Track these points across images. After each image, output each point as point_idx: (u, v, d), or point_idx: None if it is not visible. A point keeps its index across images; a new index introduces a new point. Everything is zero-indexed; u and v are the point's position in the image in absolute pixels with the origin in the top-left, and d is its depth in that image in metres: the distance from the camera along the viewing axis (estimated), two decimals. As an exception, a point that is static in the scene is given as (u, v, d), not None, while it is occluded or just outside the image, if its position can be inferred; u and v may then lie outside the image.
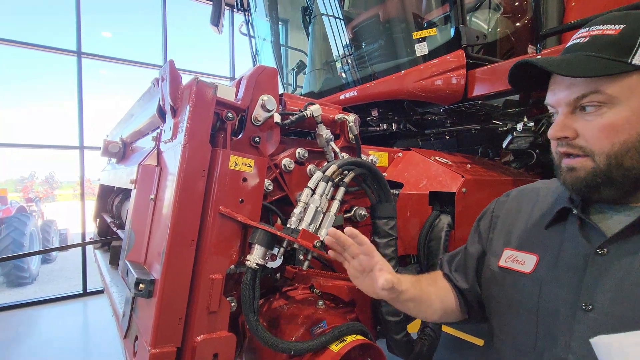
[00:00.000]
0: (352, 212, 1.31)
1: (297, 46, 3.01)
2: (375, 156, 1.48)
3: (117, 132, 2.05)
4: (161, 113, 1.13)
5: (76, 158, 5.15)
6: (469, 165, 1.64)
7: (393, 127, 2.19)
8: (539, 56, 1.51)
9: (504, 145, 1.76)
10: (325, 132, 1.21)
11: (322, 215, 1.07)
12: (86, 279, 5.11)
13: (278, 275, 1.19)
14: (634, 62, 0.61)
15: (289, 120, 1.13)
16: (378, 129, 2.24)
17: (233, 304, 1.00)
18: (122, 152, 1.84)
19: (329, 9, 2.32)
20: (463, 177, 1.41)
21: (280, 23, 3.06)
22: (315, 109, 1.17)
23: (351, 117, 1.29)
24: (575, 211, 0.73)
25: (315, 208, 1.05)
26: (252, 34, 3.29)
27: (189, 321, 0.90)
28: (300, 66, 2.95)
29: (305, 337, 1.01)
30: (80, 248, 5.22)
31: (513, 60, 1.66)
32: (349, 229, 0.82)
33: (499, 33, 1.97)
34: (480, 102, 1.70)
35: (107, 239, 2.25)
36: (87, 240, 4.29)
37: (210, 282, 0.91)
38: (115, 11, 9.15)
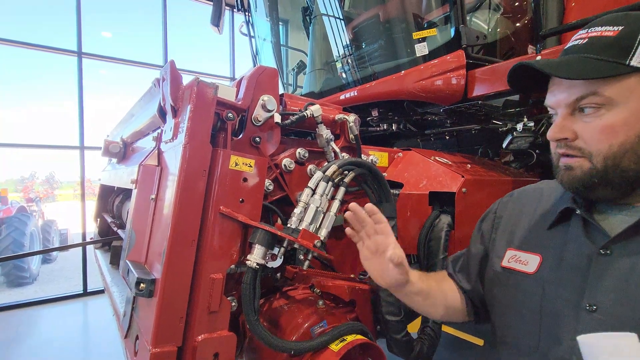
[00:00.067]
0: (352, 212, 1.31)
1: (298, 46, 3.01)
2: (376, 156, 1.48)
3: (118, 132, 2.06)
4: (162, 113, 1.13)
5: (76, 158, 5.16)
6: (469, 165, 1.64)
7: (393, 127, 2.19)
8: (539, 56, 1.51)
9: (504, 146, 1.76)
10: (325, 132, 1.21)
11: (323, 215, 1.08)
12: (86, 279, 5.11)
13: (278, 275, 1.19)
14: (632, 63, 0.62)
15: (289, 121, 1.13)
16: (378, 129, 2.24)
17: (233, 304, 1.00)
18: (122, 152, 1.85)
19: (329, 9, 2.32)
20: (463, 177, 1.41)
21: (280, 23, 3.06)
22: (315, 109, 1.17)
23: (351, 117, 1.30)
24: (578, 211, 0.73)
25: (315, 208, 1.05)
26: (252, 34, 3.29)
27: (189, 321, 0.90)
28: (301, 66, 2.96)
29: (305, 336, 1.01)
30: (80, 248, 5.22)
31: (513, 60, 1.66)
32: (369, 205, 0.84)
33: (498, 33, 1.97)
34: (480, 102, 1.70)
35: (108, 239, 2.25)
36: (88, 240, 4.29)
37: (210, 281, 0.92)
38: (116, 11, 9.15)
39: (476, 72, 1.68)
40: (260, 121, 1.05)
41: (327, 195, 1.08)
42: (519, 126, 1.69)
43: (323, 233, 1.06)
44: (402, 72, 1.87)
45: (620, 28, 0.64)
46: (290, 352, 0.94)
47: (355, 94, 2.08)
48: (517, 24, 2.04)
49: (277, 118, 1.09)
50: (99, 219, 2.43)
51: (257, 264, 0.95)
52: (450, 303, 0.95)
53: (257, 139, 1.06)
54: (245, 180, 0.99)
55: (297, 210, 1.05)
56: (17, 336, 3.89)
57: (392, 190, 1.30)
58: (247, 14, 3.26)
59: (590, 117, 0.66)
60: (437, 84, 1.72)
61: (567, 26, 1.60)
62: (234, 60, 6.99)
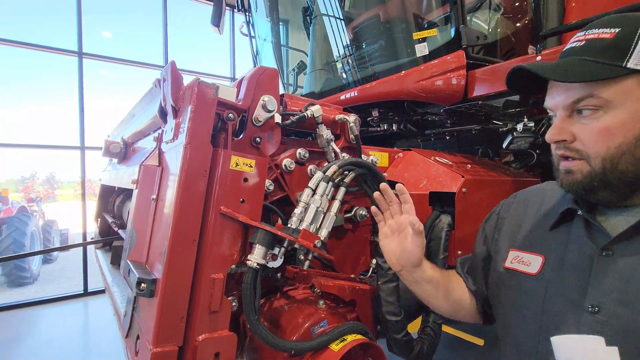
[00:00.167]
0: (353, 212, 1.32)
1: (298, 46, 3.01)
2: (376, 156, 1.48)
3: (119, 132, 2.06)
4: (162, 113, 1.14)
5: (77, 158, 5.17)
6: (469, 166, 1.64)
7: (393, 128, 2.19)
8: (539, 57, 1.51)
9: (504, 146, 1.76)
10: (325, 133, 1.21)
11: (323, 215, 1.08)
12: (87, 279, 5.12)
13: (279, 275, 1.20)
14: (628, 65, 0.62)
15: (289, 121, 1.13)
16: (378, 129, 2.24)
17: (234, 304, 1.00)
18: (123, 152, 1.85)
19: (330, 9, 2.33)
20: (463, 177, 1.41)
21: (280, 23, 3.07)
22: (315, 110, 1.17)
23: (352, 118, 1.30)
24: (580, 212, 0.73)
25: (315, 208, 1.05)
26: (252, 34, 3.30)
27: (190, 320, 0.90)
28: (301, 66, 2.96)
29: (305, 336, 1.01)
30: (81, 248, 5.23)
31: (513, 60, 1.66)
32: (399, 185, 0.90)
33: (499, 33, 1.97)
34: (480, 102, 1.71)
35: (109, 239, 2.26)
36: (88, 240, 4.29)
37: (211, 281, 0.92)
38: (116, 11, 9.17)
39: (476, 72, 1.68)
40: (260, 121, 1.06)
41: (328, 195, 1.08)
42: (519, 126, 1.69)
43: (323, 233, 1.07)
44: (403, 72, 1.88)
45: (618, 30, 0.64)
46: (290, 351, 0.95)
47: (356, 94, 2.08)
48: (518, 24, 2.04)
49: (278, 118, 1.09)
50: (99, 219, 2.43)
51: (258, 264, 0.96)
52: (459, 300, 0.97)
53: (258, 139, 1.06)
54: (245, 180, 0.99)
55: (297, 211, 1.05)
56: (18, 336, 3.89)
57: (392, 191, 1.30)
58: (247, 14, 3.26)
59: (588, 119, 0.66)
60: (437, 84, 1.72)
61: (567, 26, 1.61)
62: (235, 60, 6.99)
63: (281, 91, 1.14)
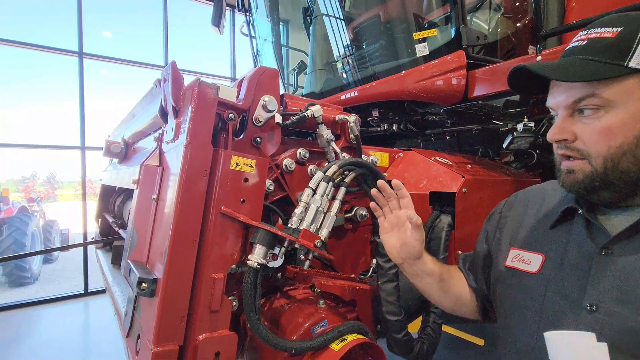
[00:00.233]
0: (353, 212, 1.32)
1: (298, 47, 3.01)
2: (376, 156, 1.49)
3: (119, 132, 2.06)
4: (163, 114, 1.14)
5: (77, 158, 5.17)
6: (470, 166, 1.64)
7: (394, 128, 2.19)
8: (539, 57, 1.51)
9: (504, 146, 1.76)
10: (326, 133, 1.21)
11: (323, 215, 1.08)
12: (87, 279, 5.12)
13: (279, 274, 1.20)
14: (630, 65, 0.62)
15: (290, 121, 1.14)
16: (379, 129, 2.25)
17: (234, 303, 1.00)
18: (124, 152, 1.85)
19: (330, 9, 2.33)
20: (463, 177, 1.41)
21: (281, 23, 3.07)
22: (316, 110, 1.18)
23: (352, 118, 1.30)
24: (580, 211, 0.73)
25: (316, 208, 1.05)
26: (253, 34, 3.30)
27: (191, 320, 0.90)
28: (301, 67, 2.96)
29: (306, 336, 1.01)
30: (81, 248, 5.23)
31: (514, 60, 1.66)
32: (395, 181, 0.92)
33: (499, 33, 1.97)
34: (480, 102, 1.71)
35: (109, 239, 2.26)
36: (89, 240, 4.30)
37: (212, 281, 0.92)
38: (116, 11, 9.17)
39: (477, 72, 1.68)
40: (261, 121, 1.06)
41: (328, 195, 1.09)
42: (520, 126, 1.69)
43: (324, 233, 1.07)
44: (403, 72, 1.88)
45: (620, 29, 0.64)
46: (290, 351, 0.95)
47: (356, 94, 2.08)
48: (518, 24, 2.04)
49: (278, 118, 1.10)
50: (100, 219, 2.43)
51: (258, 263, 0.96)
52: (459, 295, 0.98)
53: (258, 139, 1.07)
54: (246, 180, 0.99)
55: (297, 211, 1.05)
56: (18, 336, 3.90)
57: (393, 191, 1.30)
58: (247, 14, 3.26)
59: (589, 119, 0.66)
60: (437, 84, 1.72)
61: (567, 26, 1.60)
62: (235, 60, 6.99)
63: (281, 91, 1.14)
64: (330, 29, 2.34)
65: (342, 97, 2.16)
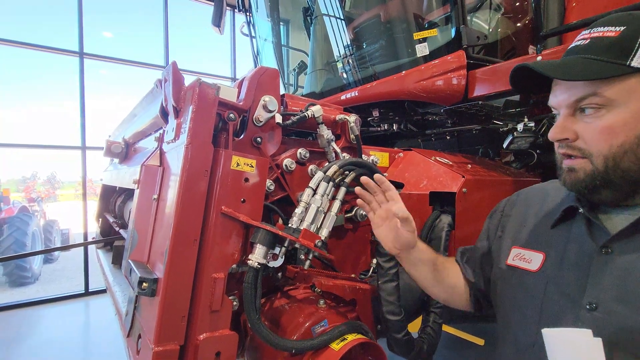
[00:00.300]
0: (353, 212, 1.32)
1: (298, 47, 3.01)
2: (376, 156, 1.49)
3: (120, 132, 2.07)
4: (164, 114, 1.14)
5: (78, 158, 5.17)
6: (470, 166, 1.64)
7: (394, 128, 2.19)
8: (540, 57, 1.52)
9: (504, 146, 1.76)
10: (326, 133, 1.22)
11: (324, 215, 1.08)
12: (88, 279, 5.12)
13: (279, 274, 1.20)
14: (632, 64, 0.61)
15: (290, 121, 1.14)
16: (379, 129, 2.25)
17: (235, 303, 1.01)
18: (124, 152, 1.86)
19: (330, 9, 2.33)
20: (463, 177, 1.41)
21: (281, 23, 3.07)
22: (316, 110, 1.18)
23: (352, 118, 1.30)
24: (581, 210, 0.73)
25: (316, 208, 1.05)
26: (253, 34, 3.30)
27: (191, 320, 0.90)
28: (302, 67, 2.96)
29: (306, 335, 1.01)
30: (82, 248, 5.23)
31: (514, 60, 1.66)
32: (378, 175, 0.93)
33: (499, 33, 1.97)
34: (480, 102, 1.71)
35: (110, 239, 2.26)
36: (89, 240, 4.30)
37: (212, 281, 0.92)
38: (116, 11, 9.17)
39: (477, 72, 1.68)
40: (261, 122, 1.06)
41: (328, 195, 1.09)
42: (520, 126, 1.69)
43: (324, 233, 1.07)
44: (403, 72, 1.88)
45: (623, 28, 0.64)
46: (291, 351, 0.95)
47: (356, 94, 2.08)
48: (518, 24, 2.04)
49: (278, 118, 1.10)
50: (100, 219, 2.44)
51: (259, 263, 0.96)
52: (453, 285, 0.99)
53: (259, 139, 1.07)
54: (246, 180, 1.00)
55: (298, 210, 1.06)
56: (19, 336, 3.90)
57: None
58: (248, 14, 3.26)
59: (591, 118, 0.66)
60: (437, 84, 1.72)
61: (567, 26, 1.61)
62: (235, 60, 6.99)
63: (282, 91, 1.14)
64: (331, 29, 2.34)
65: (343, 97, 2.16)
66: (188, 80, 1.01)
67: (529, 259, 0.80)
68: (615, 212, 0.71)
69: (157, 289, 0.88)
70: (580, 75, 0.65)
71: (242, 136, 1.05)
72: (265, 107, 1.05)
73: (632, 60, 0.62)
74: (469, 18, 1.82)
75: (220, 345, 0.92)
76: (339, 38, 2.29)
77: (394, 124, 2.19)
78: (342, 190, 1.13)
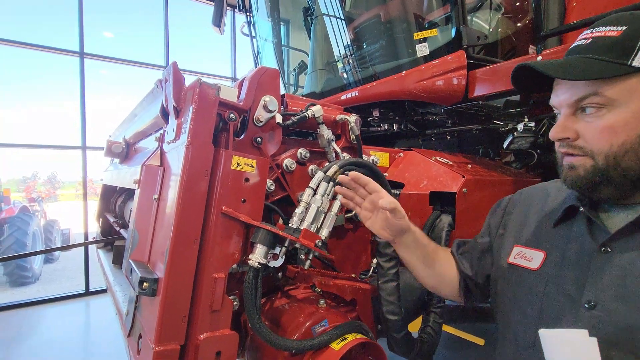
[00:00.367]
0: (353, 212, 1.32)
1: (299, 47, 3.02)
2: (377, 156, 1.49)
3: (120, 132, 2.07)
4: (164, 114, 1.14)
5: (78, 158, 5.18)
6: (470, 166, 1.64)
7: (394, 128, 2.19)
8: (540, 57, 1.52)
9: (504, 146, 1.76)
10: (326, 133, 1.22)
11: (324, 215, 1.08)
12: (88, 279, 5.13)
13: (280, 274, 1.20)
14: (633, 64, 0.62)
15: (290, 121, 1.14)
16: (379, 129, 2.25)
17: (235, 303, 1.01)
18: (125, 152, 1.86)
19: (331, 9, 2.33)
20: (464, 177, 1.41)
21: (281, 23, 3.07)
22: (316, 110, 1.18)
23: (352, 118, 1.30)
24: (582, 209, 0.73)
25: (316, 208, 1.06)
26: (253, 34, 3.30)
27: (192, 319, 0.91)
28: (302, 67, 2.96)
29: (306, 335, 1.02)
30: (82, 248, 5.24)
31: (514, 60, 1.66)
32: (352, 173, 0.93)
33: (500, 33, 1.97)
34: (481, 102, 1.71)
35: (110, 239, 2.27)
36: (90, 239, 4.30)
37: (213, 280, 0.92)
38: (117, 11, 9.17)
39: (477, 72, 1.68)
40: (261, 122, 1.06)
41: (328, 195, 1.09)
42: (520, 126, 1.69)
43: (324, 233, 1.07)
44: (403, 72, 1.88)
45: (624, 28, 0.64)
46: (291, 350, 0.95)
47: (357, 94, 2.08)
48: (518, 24, 2.04)
49: (279, 118, 1.10)
50: (101, 219, 2.44)
51: (259, 263, 0.96)
52: (442, 274, 0.99)
53: (259, 139, 1.07)
54: (247, 180, 1.00)
55: (298, 210, 1.06)
56: (20, 335, 3.91)
57: (393, 191, 1.30)
58: (248, 14, 3.27)
59: (592, 117, 0.66)
60: (438, 84, 1.72)
61: (568, 26, 1.61)
62: (236, 60, 7.00)
63: (282, 91, 1.14)
64: (331, 29, 2.34)
65: (343, 97, 2.16)
66: (188, 80, 1.01)
67: (530, 258, 0.80)
68: (616, 210, 0.71)
69: (158, 289, 0.89)
70: (581, 74, 0.65)
71: (242, 136, 1.05)
72: (265, 107, 1.05)
73: (633, 60, 0.62)
74: (469, 18, 1.82)
75: (220, 345, 0.92)
76: (339, 38, 2.29)
77: (394, 124, 2.19)
78: (343, 190, 1.13)
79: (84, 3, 5.15)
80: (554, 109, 0.75)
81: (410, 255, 0.97)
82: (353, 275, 1.31)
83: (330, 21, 2.34)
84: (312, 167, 1.23)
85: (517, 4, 2.12)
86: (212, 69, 7.61)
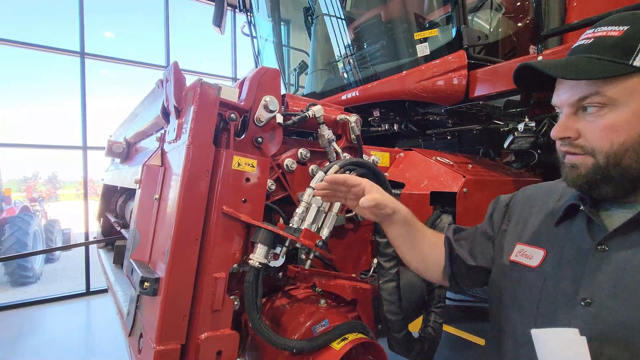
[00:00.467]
0: (354, 212, 1.32)
1: (299, 47, 3.02)
2: (377, 156, 1.49)
3: (121, 132, 2.07)
4: (165, 114, 1.14)
5: (79, 158, 5.18)
6: (470, 166, 1.64)
7: (395, 128, 2.19)
8: (540, 57, 1.52)
9: (505, 146, 1.76)
10: (327, 133, 1.22)
11: (324, 215, 1.08)
12: (89, 278, 5.14)
13: (280, 274, 1.20)
14: (635, 63, 0.62)
15: (291, 121, 1.14)
16: (380, 129, 2.25)
17: (236, 303, 1.01)
18: (126, 152, 1.86)
19: (331, 9, 2.33)
20: (464, 177, 1.41)
21: (282, 24, 3.07)
22: (317, 110, 1.18)
23: (353, 118, 1.30)
24: (582, 207, 0.74)
25: (317, 208, 1.06)
26: (254, 34, 3.31)
27: (193, 319, 0.91)
28: (302, 67, 2.96)
29: (307, 335, 1.02)
30: (83, 247, 5.25)
31: (515, 60, 1.66)
32: (327, 177, 0.94)
33: (500, 33, 1.97)
34: (481, 102, 1.71)
35: (111, 239, 2.27)
36: (90, 239, 4.31)
37: (213, 280, 0.93)
38: (117, 11, 9.19)
39: (477, 72, 1.68)
40: (262, 122, 1.06)
41: (329, 195, 1.09)
42: (520, 126, 1.69)
43: (325, 233, 1.07)
44: (404, 72, 1.88)
45: (626, 28, 0.64)
46: (292, 350, 0.95)
47: (357, 94, 2.09)
48: (519, 24, 2.04)
49: (279, 118, 1.10)
50: (101, 219, 2.44)
51: (260, 263, 0.96)
52: (426, 254, 0.99)
53: (260, 139, 1.07)
54: (247, 180, 1.00)
55: (299, 210, 1.06)
56: (20, 335, 3.91)
57: (393, 190, 1.30)
58: (248, 14, 3.27)
59: (593, 117, 0.67)
60: (438, 84, 1.72)
61: (568, 26, 1.61)
62: (236, 60, 7.00)
63: (283, 91, 1.14)
64: (332, 29, 2.34)
65: (343, 97, 2.16)
66: (189, 80, 1.01)
67: (531, 255, 0.81)
68: (616, 209, 0.72)
69: (159, 289, 0.89)
70: (582, 74, 0.65)
71: (243, 136, 1.05)
72: (266, 107, 1.05)
73: (634, 59, 0.62)
74: (469, 18, 1.82)
75: (221, 344, 0.92)
76: (340, 38, 2.30)
77: (395, 124, 2.19)
78: (343, 190, 1.13)
79: (84, 3, 5.16)
80: (555, 108, 0.75)
81: (396, 233, 0.98)
82: (353, 275, 1.31)
83: (331, 21, 2.35)
84: (312, 167, 1.23)
85: (518, 3, 2.12)
86: (212, 69, 7.63)
